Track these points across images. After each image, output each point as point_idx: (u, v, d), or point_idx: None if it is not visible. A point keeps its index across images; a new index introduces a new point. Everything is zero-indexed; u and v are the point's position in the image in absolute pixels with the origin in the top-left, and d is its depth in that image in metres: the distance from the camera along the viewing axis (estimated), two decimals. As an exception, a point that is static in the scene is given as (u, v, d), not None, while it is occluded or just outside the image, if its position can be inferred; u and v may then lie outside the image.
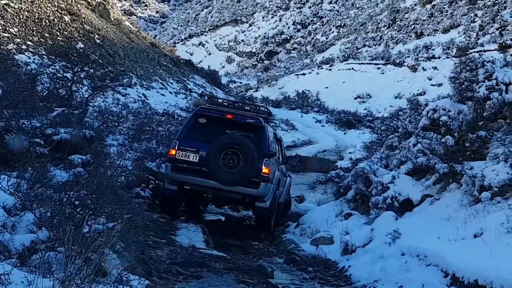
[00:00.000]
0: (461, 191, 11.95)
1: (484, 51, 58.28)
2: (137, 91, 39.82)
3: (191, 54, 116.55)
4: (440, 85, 59.47)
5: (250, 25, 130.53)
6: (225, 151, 14.70)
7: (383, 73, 69.82)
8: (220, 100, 18.06)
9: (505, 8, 73.54)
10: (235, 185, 14.89)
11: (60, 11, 39.68)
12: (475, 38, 71.48)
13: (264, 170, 14.91)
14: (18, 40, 33.29)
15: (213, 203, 17.37)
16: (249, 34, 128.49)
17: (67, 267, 6.47)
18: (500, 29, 70.01)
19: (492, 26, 72.04)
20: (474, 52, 55.28)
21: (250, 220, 18.60)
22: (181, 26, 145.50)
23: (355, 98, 66.29)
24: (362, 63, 74.15)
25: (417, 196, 13.41)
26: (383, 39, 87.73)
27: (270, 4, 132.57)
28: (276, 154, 16.30)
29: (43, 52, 33.85)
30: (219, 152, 14.66)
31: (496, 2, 75.34)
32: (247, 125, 15.46)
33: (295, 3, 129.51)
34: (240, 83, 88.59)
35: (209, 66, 69.21)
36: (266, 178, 14.98)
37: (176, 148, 15.14)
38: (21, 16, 35.50)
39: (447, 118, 13.84)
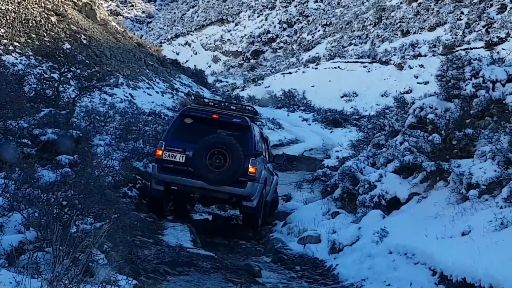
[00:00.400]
0: (449, 189, 11.98)
1: (471, 48, 58.48)
2: (123, 91, 39.77)
3: (178, 54, 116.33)
4: (426, 83, 59.61)
5: (236, 25, 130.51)
6: (211, 151, 14.66)
7: (369, 71, 69.92)
8: (206, 100, 18.20)
9: (491, 5, 73.83)
10: (222, 185, 14.85)
11: (47, 12, 39.58)
12: (461, 35, 71.73)
13: (251, 169, 14.89)
14: (5, 41, 33.19)
15: (201, 202, 17.30)
16: (235, 34, 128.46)
17: (55, 267, 6.45)
18: (486, 27, 70.28)
19: (478, 24, 72.33)
20: (461, 50, 55.48)
21: (237, 220, 18.59)
22: (167, 26, 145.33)
23: (342, 97, 66.37)
24: (348, 62, 74.24)
25: (404, 194, 13.44)
26: (369, 38, 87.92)
27: (256, 3, 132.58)
28: (263, 153, 16.26)
29: (30, 53, 33.77)
30: (205, 152, 14.62)
31: None
32: (233, 124, 15.42)
33: (281, 2, 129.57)
34: (227, 82, 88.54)
35: (195, 66, 69.16)
36: (252, 177, 14.96)
37: (163, 148, 15.09)
38: (7, 17, 35.39)
39: (434, 116, 13.87)
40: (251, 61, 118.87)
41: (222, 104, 17.97)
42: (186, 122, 15.55)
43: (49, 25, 38.74)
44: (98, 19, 47.56)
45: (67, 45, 37.04)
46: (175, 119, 16.12)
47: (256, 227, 16.01)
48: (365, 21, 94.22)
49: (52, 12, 40.09)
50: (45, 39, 36.61)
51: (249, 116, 16.18)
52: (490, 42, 62.31)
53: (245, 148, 14.80)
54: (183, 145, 15.05)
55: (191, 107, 16.71)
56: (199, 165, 14.64)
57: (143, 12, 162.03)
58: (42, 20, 38.26)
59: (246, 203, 15.27)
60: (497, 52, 17.56)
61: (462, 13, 77.03)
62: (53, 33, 38.10)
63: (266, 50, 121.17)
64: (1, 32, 33.64)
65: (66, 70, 20.89)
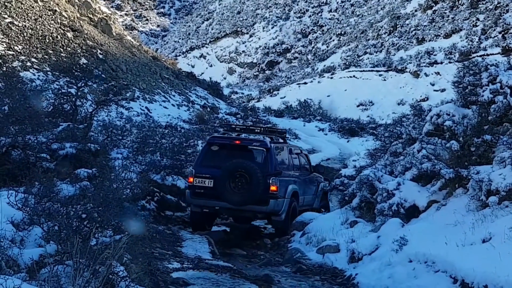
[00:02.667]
0: (468, 196, 11.93)
1: (487, 55, 58.16)
2: (140, 105, 39.88)
3: (193, 67, 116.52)
4: (443, 90, 59.34)
5: (251, 36, 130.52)
6: (233, 175, 16.03)
7: (385, 80, 69.70)
8: (233, 126, 19.73)
9: (507, 11, 73.42)
10: (245, 205, 16.20)
11: (63, 28, 39.81)
12: (477, 42, 71.36)
13: (272, 188, 16.21)
14: (23, 57, 33.40)
15: (234, 220, 18.88)
16: (250, 45, 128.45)
17: (75, 280, 6.47)
18: (502, 33, 69.89)
19: (494, 30, 71.95)
20: (477, 56, 55.23)
21: (255, 231, 18.62)
22: (182, 39, 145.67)
23: (358, 106, 66.15)
24: (363, 71, 74.01)
25: (423, 202, 13.38)
26: (384, 46, 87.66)
27: (270, 15, 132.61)
28: (282, 172, 16.97)
29: (47, 69, 33.95)
30: (228, 176, 16.01)
31: (498, 5, 75.21)
32: (254, 148, 16.93)
33: (295, 13, 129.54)
34: (242, 93, 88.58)
35: (210, 78, 69.28)
36: (274, 195, 16.25)
37: (194, 175, 16.70)
38: (25, 34, 35.64)
39: (451, 123, 13.81)
40: (266, 72, 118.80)
41: (249, 128, 19.59)
42: (213, 150, 17.11)
43: (66, 40, 38.96)
44: (114, 33, 47.77)
45: (83, 60, 37.26)
46: (203, 148, 17.81)
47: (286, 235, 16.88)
48: (379, 30, 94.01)
49: (68, 28, 40.32)
50: (62, 54, 36.82)
51: (270, 138, 17.71)
52: (507, 48, 61.95)
53: (265, 169, 16.28)
54: (211, 171, 16.49)
55: (216, 135, 18.72)
56: (223, 189, 16.05)
57: (158, 26, 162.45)
58: (58, 36, 38.49)
59: (275, 217, 16.68)
60: (514, 58, 17.46)
61: (477, 19, 76.66)
62: (69, 49, 38.31)
63: (281, 61, 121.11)
64: (19, 49, 33.86)
65: (83, 84, 21.00)
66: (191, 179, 16.78)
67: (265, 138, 17.40)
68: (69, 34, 39.77)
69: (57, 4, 41.38)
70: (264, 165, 16.44)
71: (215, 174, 16.29)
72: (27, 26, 36.32)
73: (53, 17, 39.79)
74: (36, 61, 34.13)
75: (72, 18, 41.91)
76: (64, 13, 41.39)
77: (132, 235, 8.74)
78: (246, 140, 17.46)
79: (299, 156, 19.36)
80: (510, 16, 71.91)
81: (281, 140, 18.57)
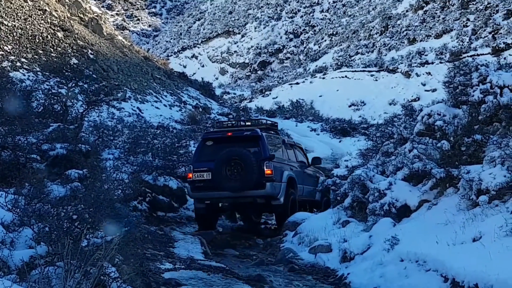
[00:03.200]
0: (459, 195, 11.95)
1: (478, 55, 58.31)
2: (131, 105, 39.86)
3: (185, 67, 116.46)
4: (434, 90, 59.51)
5: (243, 36, 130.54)
6: (228, 163, 16.78)
7: (376, 80, 69.83)
8: (225, 123, 20.20)
9: (497, 11, 73.65)
10: (243, 190, 16.87)
11: (53, 28, 39.75)
12: (468, 42, 71.55)
13: (267, 171, 16.96)
14: (13, 57, 33.35)
15: (236, 212, 19.39)
16: (242, 45, 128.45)
17: (66, 282, 6.46)
18: (493, 33, 70.08)
19: (484, 30, 72.15)
20: (468, 56, 55.32)
21: (248, 231, 18.63)
22: (174, 39, 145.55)
23: (349, 106, 66.24)
24: (355, 71, 74.14)
25: (414, 202, 13.40)
26: (376, 46, 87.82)
27: (262, 15, 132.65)
28: (275, 156, 17.62)
29: (38, 69, 33.90)
30: (223, 165, 16.74)
31: (488, 6, 75.46)
32: (246, 137, 17.59)
33: (286, 13, 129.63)
34: (234, 94, 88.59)
35: (202, 78, 69.24)
36: (270, 178, 16.99)
37: (192, 171, 17.32)
38: (14, 34, 35.58)
39: (442, 122, 13.84)
40: (258, 72, 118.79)
41: (240, 122, 20.07)
42: (208, 145, 17.85)
43: (56, 40, 38.90)
44: (105, 33, 47.73)
45: (74, 60, 37.23)
46: (198, 144, 18.53)
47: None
48: (371, 30, 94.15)
49: (58, 28, 40.26)
50: (52, 54, 36.78)
51: (261, 128, 18.31)
52: (497, 48, 62.14)
53: (259, 154, 17.06)
54: (208, 165, 17.17)
55: (209, 131, 19.60)
56: (221, 178, 16.77)
57: (149, 26, 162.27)
58: (48, 36, 38.43)
59: (274, 201, 17.30)
60: (504, 58, 17.61)
61: (468, 20, 76.86)
62: (60, 49, 38.26)
63: (273, 61, 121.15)
64: (8, 49, 33.80)
65: (73, 85, 20.97)
66: (190, 175, 17.34)
67: (255, 128, 18.02)
68: (60, 34, 39.71)
69: (47, 4, 41.31)
70: (257, 151, 17.17)
71: (212, 166, 16.96)
72: (16, 26, 36.25)
73: (43, 16, 39.73)
74: (26, 61, 34.08)
75: (63, 18, 41.84)
76: (54, 13, 41.33)
77: (123, 236, 8.73)
78: (237, 131, 18.04)
79: (294, 148, 20.16)
80: (500, 16, 72.15)
81: (272, 132, 19.16)
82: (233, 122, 20.36)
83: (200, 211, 17.72)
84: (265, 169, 16.94)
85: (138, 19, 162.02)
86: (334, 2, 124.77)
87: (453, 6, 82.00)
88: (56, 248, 7.55)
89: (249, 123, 19.42)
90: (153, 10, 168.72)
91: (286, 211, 17.48)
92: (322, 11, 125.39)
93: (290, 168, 18.52)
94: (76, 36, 41.43)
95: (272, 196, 17.21)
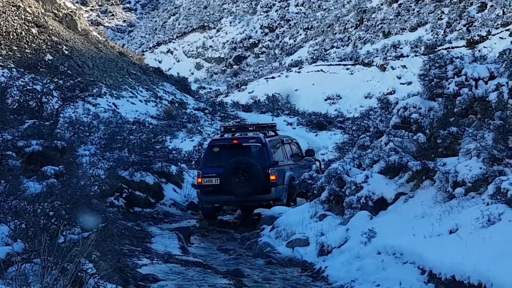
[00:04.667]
0: (435, 187, 12.01)
1: (452, 47, 58.60)
2: (107, 101, 39.69)
3: (160, 62, 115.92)
4: (409, 83, 59.65)
5: (218, 31, 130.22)
6: (236, 171, 18.15)
7: (352, 73, 69.93)
8: (229, 127, 21.62)
9: (471, 4, 74.12)
10: (250, 196, 18.25)
11: (27, 24, 39.47)
12: (442, 35, 71.92)
13: (272, 177, 18.36)
14: (-14, 54, 33.06)
15: (242, 210, 21.05)
16: (217, 40, 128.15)
17: (43, 278, 6.43)
18: (467, 26, 70.53)
19: (459, 23, 72.57)
20: (442, 49, 55.67)
21: (225, 225, 18.66)
22: (149, 34, 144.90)
23: (325, 100, 66.25)
24: (331, 65, 74.15)
25: (391, 195, 13.45)
26: (351, 40, 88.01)
27: (237, 9, 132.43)
28: (279, 161, 19.16)
29: (12, 65, 33.64)
30: (231, 173, 18.13)
31: (462, -2, 75.96)
32: (250, 145, 19.02)
33: (261, 7, 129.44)
34: (210, 89, 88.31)
35: (178, 73, 68.94)
36: (274, 183, 18.39)
37: (201, 176, 18.76)
38: (-13, 30, 35.27)
39: (418, 115, 13.89)
40: (234, 67, 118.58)
41: (243, 127, 21.70)
42: (214, 151, 19.22)
43: (30, 37, 38.63)
44: (79, 29, 47.43)
45: (49, 56, 37.00)
46: (206, 150, 19.97)
47: None
48: (346, 24, 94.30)
49: (32, 24, 39.97)
50: (27, 51, 36.53)
51: (263, 133, 19.80)
52: (472, 40, 62.46)
53: (263, 161, 18.44)
54: (216, 170, 18.54)
55: (215, 138, 20.81)
56: (229, 185, 18.17)
57: (124, 21, 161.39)
58: (23, 32, 38.16)
59: (278, 203, 18.31)
60: (479, 50, 17.69)
61: (442, 12, 77.25)
62: (34, 45, 38.01)
63: (249, 55, 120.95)
64: (-18, 45, 33.51)
65: (48, 81, 20.82)
66: (200, 180, 18.80)
67: (259, 134, 19.52)
68: (34, 30, 39.44)
69: (21, 0, 40.98)
70: (262, 158, 18.53)
71: (220, 172, 18.32)
72: (-10, 22, 35.94)
73: (17, 13, 39.42)
74: (0, 57, 33.83)
75: (37, 14, 41.55)
76: (28, 9, 41.03)
77: (100, 232, 8.70)
78: (242, 139, 19.34)
79: (290, 144, 21.36)
80: (474, 9, 72.64)
81: (272, 133, 20.41)
82: (237, 126, 22.21)
83: (208, 211, 19.38)
84: (270, 175, 18.30)
85: (113, 15, 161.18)
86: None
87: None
88: (33, 245, 7.51)
89: (251, 128, 20.73)
90: (128, 5, 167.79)
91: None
92: (297, 5, 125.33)
93: (290, 167, 19.85)
94: (50, 32, 41.17)
95: (276, 199, 18.55)
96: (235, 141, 19.21)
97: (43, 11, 43.58)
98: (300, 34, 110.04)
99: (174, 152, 24.65)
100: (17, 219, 8.38)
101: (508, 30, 62.89)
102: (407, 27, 79.28)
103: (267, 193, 18.41)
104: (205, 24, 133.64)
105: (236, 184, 18.18)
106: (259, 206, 19.69)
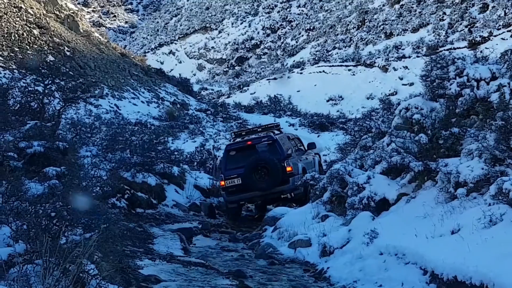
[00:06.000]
0: (437, 188, 12.00)
1: (454, 48, 58.59)
2: (109, 102, 39.74)
3: (162, 63, 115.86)
4: (411, 84, 59.66)
5: (220, 32, 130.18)
6: (256, 168, 19.57)
7: (354, 74, 69.92)
8: (239, 132, 23.24)
9: (473, 5, 74.09)
10: (271, 189, 19.68)
11: (29, 25, 39.50)
12: (444, 36, 71.91)
13: (288, 168, 19.82)
14: (-12, 55, 33.07)
15: (264, 203, 21.62)
16: (219, 41, 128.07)
17: (45, 279, 6.43)
18: (469, 26, 70.49)
19: (461, 24, 72.54)
20: (444, 50, 55.58)
21: (227, 226, 18.66)
22: (151, 35, 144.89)
23: (327, 101, 66.27)
24: (333, 66, 74.15)
25: (393, 195, 13.44)
26: (353, 41, 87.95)
27: (239, 10, 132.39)
28: (291, 154, 20.80)
29: (14, 66, 33.67)
30: (251, 171, 19.55)
31: None
32: (263, 143, 20.39)
33: (263, 8, 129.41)
34: (212, 90, 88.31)
35: (180, 74, 68.96)
36: (291, 174, 19.84)
37: (224, 179, 20.07)
38: (-11, 32, 35.29)
39: (419, 116, 13.89)
40: (236, 68, 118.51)
41: (251, 130, 23.03)
42: (231, 155, 20.59)
43: (32, 38, 38.67)
44: (81, 30, 47.46)
45: (50, 58, 37.04)
46: (223, 155, 21.40)
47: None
48: (348, 25, 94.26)
49: (34, 25, 40.01)
50: (28, 52, 36.57)
51: (273, 132, 21.29)
52: (473, 41, 62.44)
53: (277, 155, 19.89)
54: (236, 172, 19.90)
55: (230, 143, 21.84)
56: (252, 181, 19.62)
57: (126, 22, 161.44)
58: (24, 33, 38.20)
59: (296, 191, 19.90)
60: (481, 51, 17.72)
61: (444, 13, 77.22)
62: (36, 46, 38.04)
63: (251, 56, 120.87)
64: (-16, 47, 33.51)
65: (50, 82, 20.82)
66: (223, 183, 20.10)
67: (269, 133, 21.00)
68: (36, 31, 39.48)
69: (23, 1, 41.03)
70: (276, 153, 19.98)
71: (240, 172, 19.70)
72: (-8, 23, 35.95)
73: (19, 14, 39.47)
74: (2, 59, 33.87)
75: (38, 15, 41.59)
76: (30, 10, 41.07)
77: (102, 233, 8.69)
78: (255, 139, 20.79)
79: (294, 140, 22.90)
80: (476, 10, 72.61)
81: (277, 132, 21.70)
82: (246, 130, 23.66)
83: (233, 211, 20.65)
84: (286, 167, 19.74)
85: (115, 16, 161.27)
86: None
87: (429, 0, 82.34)
88: (35, 246, 7.50)
89: (259, 130, 22.19)
90: (130, 6, 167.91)
91: (306, 197, 19.25)
92: (299, 6, 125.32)
93: (299, 159, 21.24)
94: (52, 33, 41.20)
95: (295, 188, 19.74)
96: (249, 142, 20.61)
97: (44, 12, 43.61)
98: (302, 35, 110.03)
99: (176, 153, 24.66)
100: (19, 220, 8.38)
101: (510, 31, 62.88)
102: (409, 28, 79.25)
103: (286, 184, 19.68)
104: (207, 25, 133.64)
105: (257, 180, 19.55)
106: (279, 199, 20.52)
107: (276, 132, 21.65)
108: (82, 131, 22.05)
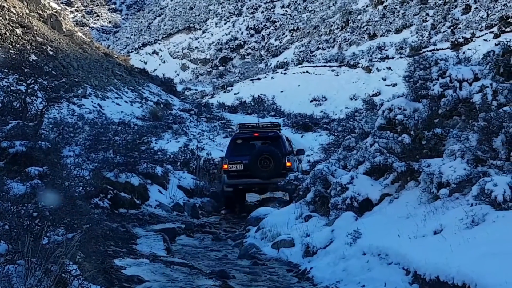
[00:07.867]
0: (420, 188, 12.04)
1: (437, 49, 58.87)
2: (92, 102, 39.61)
3: (146, 63, 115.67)
4: (394, 85, 59.84)
5: (204, 32, 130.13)
6: (260, 158, 21.47)
7: (337, 75, 70.00)
8: (246, 125, 24.76)
9: (456, 6, 74.51)
10: (271, 179, 21.23)
11: (12, 24, 39.31)
12: (427, 37, 72.25)
13: (288, 164, 21.65)
14: (-31, 54, 32.88)
15: (258, 192, 23.94)
16: (203, 41, 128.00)
17: (27, 280, 6.40)
18: (452, 28, 70.89)
19: (444, 25, 72.95)
20: (427, 51, 55.81)
21: (210, 227, 18.64)
22: (134, 35, 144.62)
23: (311, 101, 66.28)
24: (316, 66, 74.22)
25: (376, 196, 13.48)
26: (337, 41, 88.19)
27: (222, 10, 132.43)
28: (293, 151, 23.01)
29: (-5, 66, 33.45)
30: (257, 159, 21.47)
31: (447, 0, 76.30)
32: (269, 137, 22.54)
33: (247, 9, 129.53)
34: (196, 90, 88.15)
35: (163, 74, 68.81)
36: (290, 169, 21.31)
37: (227, 163, 22.10)
38: (-29, 30, 35.08)
39: (402, 116, 13.93)
40: (220, 68, 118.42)
41: (258, 125, 24.45)
42: (237, 143, 22.59)
43: (15, 37, 38.49)
44: (64, 30, 47.26)
45: (33, 57, 36.78)
46: (230, 142, 23.17)
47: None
48: (332, 25, 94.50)
49: (17, 24, 39.82)
50: (11, 51, 36.31)
51: (277, 128, 23.29)
52: (456, 42, 62.74)
53: (280, 150, 21.77)
54: (239, 158, 21.96)
55: (238, 132, 23.51)
56: (254, 169, 21.51)
57: (109, 22, 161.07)
58: (7, 32, 38.01)
59: (289, 186, 19.65)
60: (463, 52, 17.79)
61: (427, 14, 77.61)
62: (18, 45, 37.83)
63: (234, 56, 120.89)
64: (-34, 46, 33.32)
65: (33, 81, 20.70)
66: (226, 166, 22.16)
67: (274, 129, 22.98)
68: (18, 31, 39.29)
69: (5, 0, 40.81)
70: (279, 148, 21.91)
71: (243, 159, 21.71)
72: (-26, 23, 35.75)
73: (1, 13, 39.28)
74: (-16, 58, 33.63)
75: (21, 14, 41.39)
76: (12, 9, 40.87)
77: (85, 233, 8.65)
78: (262, 132, 23.02)
79: (289, 141, 24.44)
80: (458, 11, 73.04)
81: (278, 131, 23.33)
82: (251, 124, 24.82)
83: (228, 194, 22.36)
84: (286, 162, 21.60)
85: (98, 15, 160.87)
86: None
87: (412, 1, 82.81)
88: (17, 246, 7.46)
89: (265, 126, 23.76)
90: (113, 6, 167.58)
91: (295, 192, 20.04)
92: (282, 7, 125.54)
93: (295, 159, 22.96)
94: (35, 32, 41.03)
95: (289, 182, 19.68)
96: (256, 134, 22.84)
97: (27, 11, 43.42)
98: (286, 36, 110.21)
99: (159, 153, 24.63)
100: (1, 220, 8.32)
101: (492, 32, 63.19)
102: (392, 29, 79.57)
103: (283, 177, 19.78)
104: (191, 25, 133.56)
105: (259, 168, 21.43)
106: (274, 189, 22.21)
107: (279, 131, 23.26)
108: (65, 130, 21.97)
